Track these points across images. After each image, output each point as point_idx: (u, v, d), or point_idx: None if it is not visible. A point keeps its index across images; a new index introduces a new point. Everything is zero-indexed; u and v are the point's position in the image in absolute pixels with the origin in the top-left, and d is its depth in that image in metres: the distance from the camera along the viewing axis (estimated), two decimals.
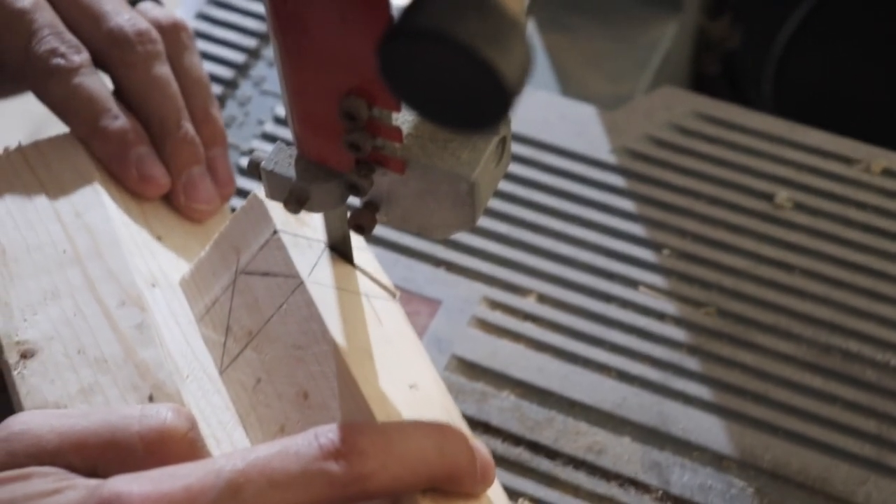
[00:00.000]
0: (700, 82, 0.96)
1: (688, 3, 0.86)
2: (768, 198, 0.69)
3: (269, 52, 0.77)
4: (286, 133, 0.72)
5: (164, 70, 0.64)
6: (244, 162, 0.72)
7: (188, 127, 0.64)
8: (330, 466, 0.45)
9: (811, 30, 0.94)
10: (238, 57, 0.77)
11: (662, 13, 0.83)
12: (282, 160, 0.54)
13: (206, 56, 0.76)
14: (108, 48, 0.63)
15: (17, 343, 0.56)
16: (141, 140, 0.62)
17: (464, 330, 0.64)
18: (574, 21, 0.82)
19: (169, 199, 0.64)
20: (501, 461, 0.60)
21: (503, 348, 0.64)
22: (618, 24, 0.82)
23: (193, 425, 0.48)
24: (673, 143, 0.71)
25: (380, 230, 0.66)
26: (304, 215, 0.58)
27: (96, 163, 0.62)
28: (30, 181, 0.62)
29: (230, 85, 0.75)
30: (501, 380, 0.63)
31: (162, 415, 0.48)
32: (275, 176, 0.54)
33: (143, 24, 0.63)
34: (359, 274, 0.58)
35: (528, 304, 0.65)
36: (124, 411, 0.48)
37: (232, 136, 0.73)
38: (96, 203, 0.60)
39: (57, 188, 0.61)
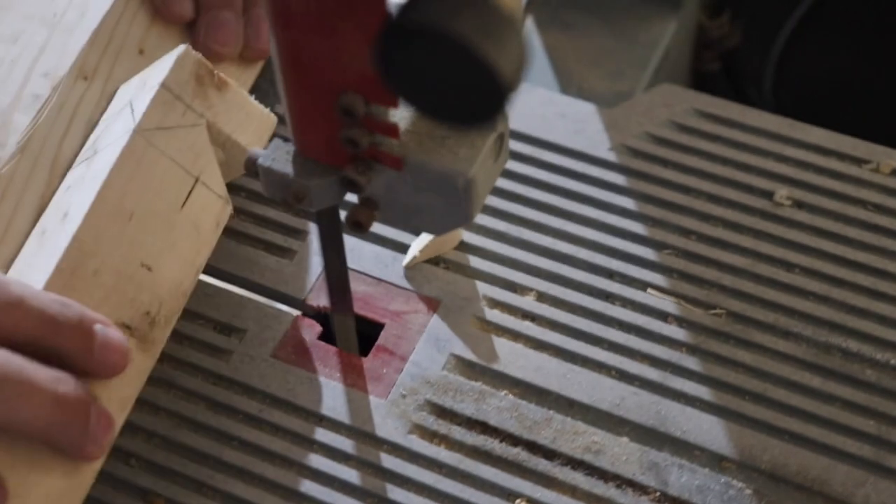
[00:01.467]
0: (700, 80, 0.96)
1: (687, 1, 0.85)
2: (768, 195, 0.69)
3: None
4: (284, 130, 0.71)
5: None
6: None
7: None
8: None
9: (811, 28, 0.94)
10: None
11: (662, 11, 0.82)
12: (279, 157, 0.54)
13: None
14: None
15: None
16: None
17: (463, 329, 0.64)
18: (573, 18, 0.82)
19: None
20: (499, 461, 0.60)
21: (502, 347, 0.63)
22: (617, 22, 0.82)
23: None
24: (672, 141, 0.71)
25: (378, 227, 0.66)
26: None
27: None
28: None
29: None
30: (500, 379, 0.62)
31: None
32: (272, 172, 0.54)
33: None
34: (211, 165, 0.61)
35: (528, 302, 0.65)
36: None
37: None
38: None
39: None
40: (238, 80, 0.69)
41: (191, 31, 0.68)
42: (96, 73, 0.64)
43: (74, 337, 0.54)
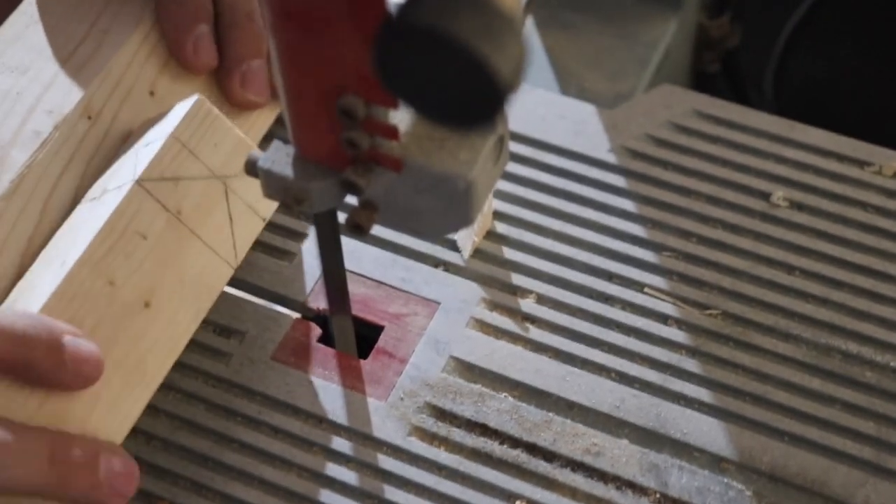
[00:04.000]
0: (700, 81, 0.96)
1: (688, 2, 0.85)
2: (767, 197, 0.69)
3: None
4: (284, 132, 0.71)
5: None
6: None
7: (258, 20, 0.65)
8: None
9: (811, 29, 0.94)
10: None
11: (662, 11, 0.82)
12: (279, 159, 0.54)
13: None
14: None
15: None
16: (207, 18, 0.64)
17: (462, 331, 0.64)
18: (573, 19, 0.82)
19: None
20: (499, 463, 0.60)
21: (501, 349, 0.63)
22: (617, 22, 0.81)
23: None
24: (672, 142, 0.71)
25: (378, 230, 0.66)
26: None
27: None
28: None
29: None
30: (499, 381, 0.62)
31: None
32: (272, 175, 0.54)
33: None
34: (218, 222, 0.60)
35: (527, 304, 0.65)
36: None
37: None
38: (127, 27, 0.64)
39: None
40: (259, 122, 0.68)
41: (213, 77, 0.66)
42: (102, 112, 0.62)
43: (45, 351, 0.53)
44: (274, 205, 0.63)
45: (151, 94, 0.64)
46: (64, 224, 0.60)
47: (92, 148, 0.62)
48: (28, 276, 0.58)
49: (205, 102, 0.60)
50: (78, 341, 0.54)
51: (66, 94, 0.62)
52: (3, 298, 0.58)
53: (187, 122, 0.59)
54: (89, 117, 0.61)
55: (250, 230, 0.62)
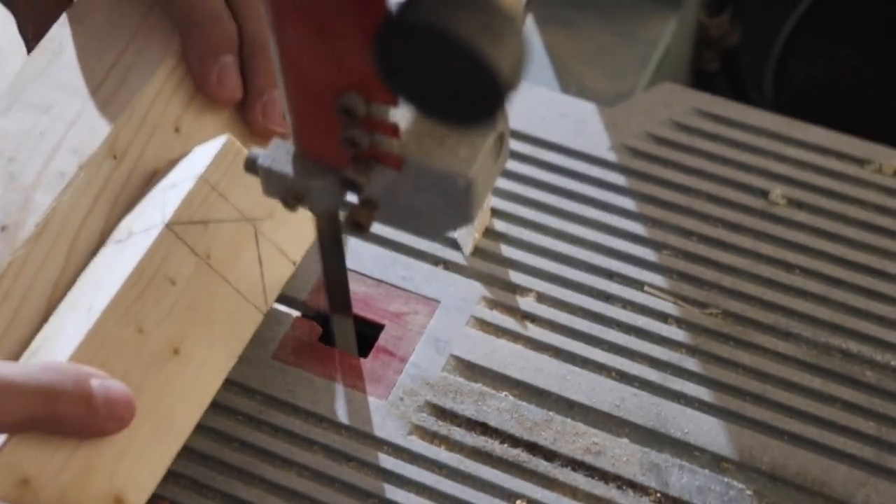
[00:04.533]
0: (700, 80, 0.96)
1: (688, 0, 0.85)
2: (766, 195, 0.69)
3: None
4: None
5: None
6: None
7: None
8: None
9: (811, 27, 0.94)
10: None
11: (662, 9, 0.82)
12: (279, 157, 0.54)
13: None
14: None
15: None
16: (231, 49, 0.63)
17: (462, 329, 0.64)
18: (574, 17, 0.82)
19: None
20: (499, 462, 0.60)
21: (502, 348, 0.63)
22: (618, 21, 0.81)
23: None
24: (672, 140, 0.71)
25: (378, 228, 0.66)
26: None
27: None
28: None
29: None
30: (500, 380, 0.62)
31: None
32: (272, 173, 0.54)
33: None
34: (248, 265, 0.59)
35: (527, 303, 0.65)
36: None
37: None
38: (151, 64, 0.62)
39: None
40: None
41: (239, 112, 0.65)
42: (128, 151, 0.61)
43: (74, 401, 0.52)
44: (304, 247, 0.63)
45: (177, 130, 0.63)
46: (88, 267, 0.59)
47: (117, 188, 0.61)
48: (53, 321, 0.57)
49: (235, 143, 0.59)
50: (107, 384, 0.53)
51: (90, 133, 0.61)
52: (29, 343, 0.57)
53: (217, 164, 0.58)
54: (115, 157, 0.60)
55: (280, 274, 0.62)
